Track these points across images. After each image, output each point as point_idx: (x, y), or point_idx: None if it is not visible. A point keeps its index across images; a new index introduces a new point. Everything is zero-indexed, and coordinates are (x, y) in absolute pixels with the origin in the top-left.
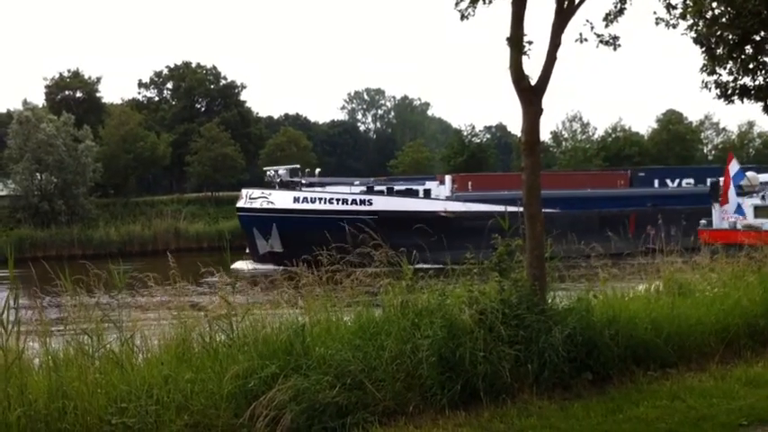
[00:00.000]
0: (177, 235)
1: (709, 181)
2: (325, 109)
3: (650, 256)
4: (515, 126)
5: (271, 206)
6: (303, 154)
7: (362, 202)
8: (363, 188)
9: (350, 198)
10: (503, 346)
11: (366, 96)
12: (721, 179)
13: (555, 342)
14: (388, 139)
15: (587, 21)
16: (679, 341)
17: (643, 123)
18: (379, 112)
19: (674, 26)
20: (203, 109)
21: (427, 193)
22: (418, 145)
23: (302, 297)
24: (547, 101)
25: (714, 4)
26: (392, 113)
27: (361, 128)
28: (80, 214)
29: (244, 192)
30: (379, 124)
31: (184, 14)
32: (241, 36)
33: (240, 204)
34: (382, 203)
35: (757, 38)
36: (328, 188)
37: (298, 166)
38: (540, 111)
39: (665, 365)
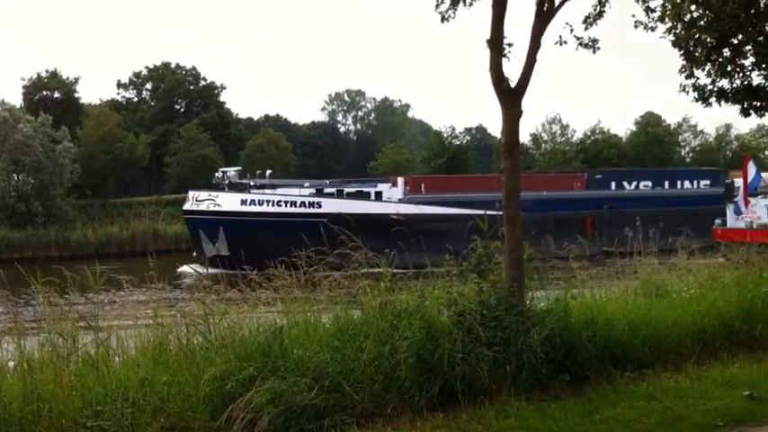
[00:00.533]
0: (155, 236)
1: (723, 181)
2: (305, 110)
3: (611, 257)
4: (495, 128)
5: (218, 209)
6: (283, 155)
7: (312, 204)
8: (313, 190)
9: (299, 200)
10: (481, 348)
11: (347, 98)
12: (736, 180)
13: (533, 343)
14: (368, 141)
15: (567, 23)
16: (656, 342)
17: (622, 126)
18: (360, 113)
19: (653, 29)
20: (182, 110)
21: (378, 196)
22: (398, 147)
23: (281, 299)
24: (526, 103)
25: (692, 8)
26: (372, 115)
27: (342, 129)
28: (57, 215)
29: (190, 194)
30: (359, 126)
31: (164, 15)
32: (221, 37)
33: (186, 207)
34: (332, 206)
35: (735, 41)
36: (278, 190)
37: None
38: (520, 113)
39: (641, 366)
